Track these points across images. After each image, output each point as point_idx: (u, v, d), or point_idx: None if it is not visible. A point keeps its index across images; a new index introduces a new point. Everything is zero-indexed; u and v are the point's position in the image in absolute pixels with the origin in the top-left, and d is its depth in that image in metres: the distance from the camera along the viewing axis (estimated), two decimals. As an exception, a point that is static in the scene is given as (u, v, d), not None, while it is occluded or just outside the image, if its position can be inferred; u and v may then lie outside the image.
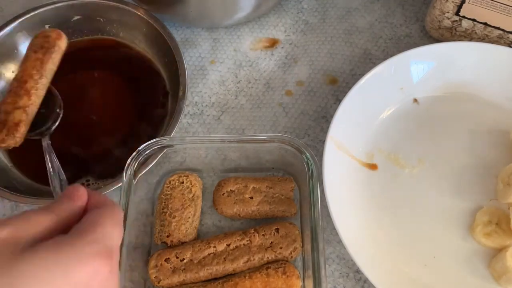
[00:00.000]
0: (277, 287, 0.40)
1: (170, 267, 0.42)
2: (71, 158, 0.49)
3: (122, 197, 0.41)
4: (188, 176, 0.45)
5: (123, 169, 0.42)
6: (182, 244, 0.43)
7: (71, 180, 0.48)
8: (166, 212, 0.44)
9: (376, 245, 0.43)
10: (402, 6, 0.58)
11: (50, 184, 0.44)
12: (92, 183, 0.48)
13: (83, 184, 0.48)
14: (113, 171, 0.47)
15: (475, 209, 0.45)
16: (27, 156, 0.49)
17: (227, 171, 0.48)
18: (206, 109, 0.53)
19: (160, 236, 0.43)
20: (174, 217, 0.44)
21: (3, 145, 0.43)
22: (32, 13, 0.52)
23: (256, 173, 0.47)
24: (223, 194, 0.45)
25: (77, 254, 0.26)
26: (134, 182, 0.42)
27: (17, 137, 0.43)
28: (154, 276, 0.41)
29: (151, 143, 0.43)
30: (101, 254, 0.27)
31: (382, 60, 0.48)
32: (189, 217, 0.44)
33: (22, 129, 0.44)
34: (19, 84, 0.44)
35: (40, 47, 0.46)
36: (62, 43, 0.48)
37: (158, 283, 0.41)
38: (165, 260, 0.42)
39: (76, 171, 0.49)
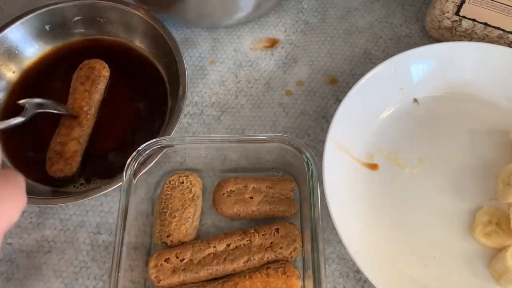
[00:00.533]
0: (277, 287, 0.40)
1: (170, 267, 0.42)
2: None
3: (122, 197, 0.41)
4: (188, 176, 0.45)
5: (123, 169, 0.42)
6: (182, 244, 0.43)
7: (72, 180, 0.48)
8: (166, 212, 0.44)
9: (376, 245, 0.43)
10: (402, 6, 0.58)
11: None
12: (92, 183, 0.48)
13: (82, 184, 0.48)
14: (113, 171, 0.47)
15: (475, 209, 0.45)
16: (27, 156, 0.49)
17: (227, 171, 0.48)
18: (206, 109, 0.53)
19: (160, 236, 0.43)
20: (174, 217, 0.44)
21: (61, 174, 0.46)
22: (32, 14, 0.52)
23: (256, 173, 0.47)
24: (223, 194, 0.45)
25: None
26: (134, 182, 0.42)
27: (74, 166, 0.47)
28: (154, 276, 0.41)
29: (151, 143, 0.43)
30: None
31: (382, 60, 0.48)
32: (189, 217, 0.44)
33: (78, 159, 0.47)
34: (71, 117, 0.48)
35: (86, 78, 0.50)
36: (107, 73, 0.52)
37: (158, 283, 0.41)
38: (165, 260, 0.42)
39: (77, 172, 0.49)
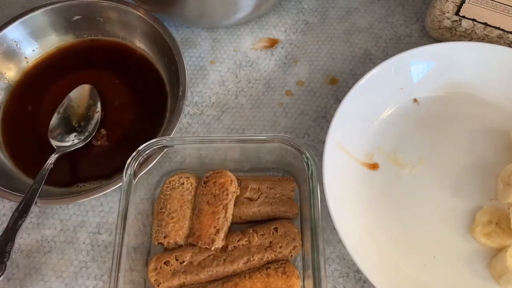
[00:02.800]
0: (277, 287, 0.40)
1: (170, 270, 0.41)
2: (71, 158, 0.49)
3: (122, 197, 0.41)
4: (189, 177, 0.45)
5: (123, 169, 0.42)
6: (179, 246, 0.43)
7: (72, 180, 0.48)
8: (164, 213, 0.44)
9: (376, 245, 0.43)
10: (402, 6, 0.58)
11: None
12: (92, 183, 0.48)
13: (82, 184, 0.48)
14: (113, 171, 0.47)
15: (475, 209, 0.45)
16: (27, 156, 0.49)
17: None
18: (206, 109, 0.53)
19: (157, 236, 0.43)
20: (172, 218, 0.43)
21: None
22: (32, 13, 0.52)
23: (256, 173, 0.47)
24: None
25: None
26: (134, 182, 0.42)
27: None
28: (154, 279, 0.41)
29: (151, 143, 0.43)
30: None
31: (382, 60, 0.48)
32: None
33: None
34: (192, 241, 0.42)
35: (212, 196, 0.43)
36: (233, 188, 0.44)
37: (158, 286, 0.41)
38: (164, 263, 0.42)
39: (76, 171, 0.49)
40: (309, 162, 0.42)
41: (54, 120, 0.49)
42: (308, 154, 0.42)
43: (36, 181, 0.44)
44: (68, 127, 0.49)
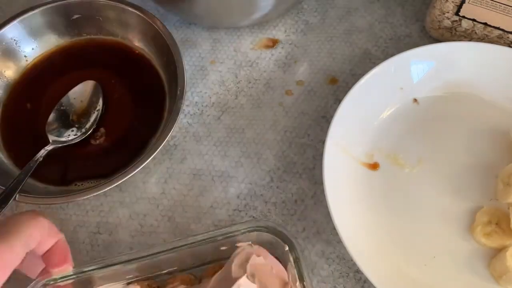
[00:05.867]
0: None
1: None
2: (70, 156, 0.49)
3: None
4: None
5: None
6: None
7: (70, 178, 0.48)
8: None
9: (376, 245, 0.43)
10: (402, 6, 0.58)
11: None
12: (90, 182, 0.48)
13: (82, 184, 0.48)
14: (111, 170, 0.47)
15: (475, 209, 0.45)
16: (27, 156, 0.49)
17: None
18: (206, 109, 0.53)
19: None
20: None
21: None
22: (31, 12, 0.52)
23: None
24: None
25: None
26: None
27: None
28: None
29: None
30: None
31: (382, 60, 0.48)
32: None
33: None
34: None
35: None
36: None
37: None
38: None
39: (74, 170, 0.49)
40: (293, 252, 0.36)
41: (53, 115, 0.49)
42: (288, 244, 0.36)
43: (22, 172, 0.43)
44: (66, 122, 0.49)
